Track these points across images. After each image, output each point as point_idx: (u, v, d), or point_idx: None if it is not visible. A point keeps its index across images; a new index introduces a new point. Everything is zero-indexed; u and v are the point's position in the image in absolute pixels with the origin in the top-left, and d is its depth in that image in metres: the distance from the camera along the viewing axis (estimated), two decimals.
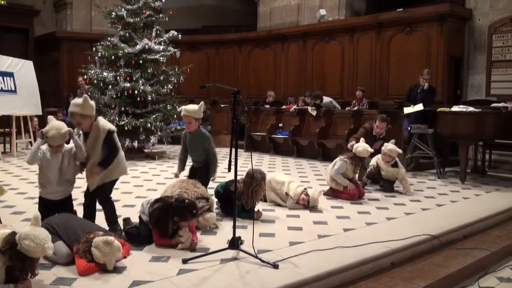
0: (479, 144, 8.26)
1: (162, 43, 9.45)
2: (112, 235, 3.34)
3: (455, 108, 7.28)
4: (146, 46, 9.04)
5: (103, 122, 3.95)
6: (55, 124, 3.81)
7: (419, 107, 8.12)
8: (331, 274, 3.34)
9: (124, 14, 9.21)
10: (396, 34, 10.46)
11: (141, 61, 8.96)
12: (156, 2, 9.57)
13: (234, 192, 3.78)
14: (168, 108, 9.23)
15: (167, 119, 9.24)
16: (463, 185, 6.99)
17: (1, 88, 9.07)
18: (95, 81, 9.06)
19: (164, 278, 3.11)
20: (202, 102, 5.02)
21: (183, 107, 5.00)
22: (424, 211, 5.27)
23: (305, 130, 10.30)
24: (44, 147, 3.89)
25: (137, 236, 3.82)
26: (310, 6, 12.64)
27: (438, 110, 7.52)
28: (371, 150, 5.93)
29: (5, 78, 9.17)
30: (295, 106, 10.62)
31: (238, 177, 4.12)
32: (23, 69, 9.69)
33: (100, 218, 4.37)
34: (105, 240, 3.17)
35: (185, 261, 3.37)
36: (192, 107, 4.95)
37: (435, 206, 5.55)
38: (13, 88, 9.31)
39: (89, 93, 9.75)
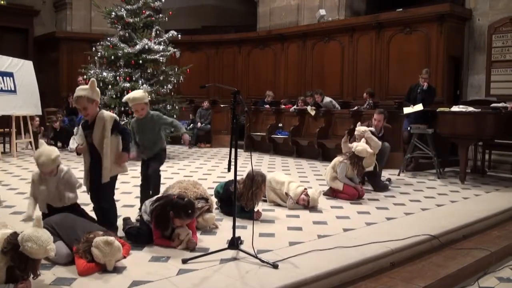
0: (479, 144, 8.27)
1: (162, 43, 9.45)
2: (112, 235, 3.35)
3: (454, 108, 7.28)
4: (146, 46, 9.04)
5: (107, 112, 3.89)
6: (45, 150, 3.77)
7: (419, 107, 8.13)
8: (331, 274, 3.34)
9: (124, 14, 9.21)
10: (396, 34, 10.46)
11: (140, 61, 8.96)
12: (156, 2, 9.56)
13: (234, 192, 3.78)
14: (168, 108, 9.23)
15: None
16: (463, 185, 6.99)
17: (1, 88, 9.06)
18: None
19: (164, 278, 3.10)
20: (145, 86, 4.94)
21: (129, 97, 4.70)
22: (424, 211, 5.27)
23: (305, 130, 10.31)
24: (35, 174, 3.93)
25: (137, 236, 3.82)
26: (309, 6, 12.64)
27: (437, 110, 7.52)
28: (370, 150, 5.93)
29: (4, 78, 9.16)
30: (294, 107, 10.63)
31: (238, 178, 4.12)
32: (23, 69, 9.68)
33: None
34: (105, 240, 3.17)
35: (184, 261, 3.37)
36: (139, 94, 4.71)
37: (434, 206, 5.56)
38: (12, 88, 9.30)
39: None
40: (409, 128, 8.09)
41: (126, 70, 8.97)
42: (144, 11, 9.39)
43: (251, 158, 3.88)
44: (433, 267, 3.82)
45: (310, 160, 9.57)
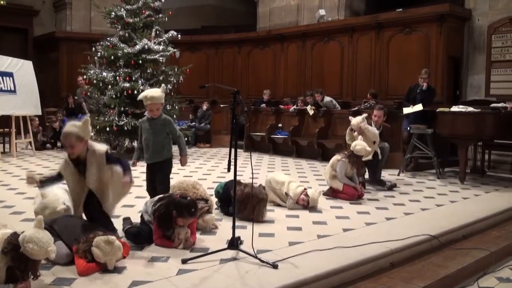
0: (479, 144, 8.27)
1: (162, 43, 9.45)
2: (112, 234, 3.35)
3: (454, 108, 7.28)
4: (146, 46, 9.04)
5: (97, 146, 3.68)
6: (49, 202, 3.64)
7: (419, 107, 8.13)
8: (331, 274, 3.34)
9: (124, 14, 9.21)
10: (395, 35, 10.46)
11: (140, 61, 8.96)
12: (156, 2, 9.57)
13: (233, 192, 3.78)
14: (168, 108, 9.23)
15: None
16: (463, 185, 7.00)
17: (1, 88, 9.07)
18: (95, 81, 9.05)
19: (164, 278, 3.11)
20: (163, 85, 4.76)
21: (147, 95, 4.51)
22: (424, 211, 5.27)
23: (304, 130, 10.31)
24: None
25: (137, 236, 3.81)
26: (309, 7, 12.65)
27: (437, 110, 7.52)
28: (369, 149, 5.94)
29: (4, 78, 9.17)
30: (294, 107, 10.63)
31: (238, 178, 4.12)
32: (23, 69, 9.69)
33: None
34: (106, 239, 3.17)
35: (184, 261, 3.37)
36: (157, 93, 4.53)
37: (434, 206, 5.56)
38: (12, 88, 9.30)
39: (88, 93, 9.78)
40: (408, 128, 8.10)
41: (126, 70, 8.97)
42: (144, 11, 9.39)
43: (250, 158, 3.88)
44: (433, 267, 3.82)
45: (310, 160, 9.57)
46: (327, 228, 4.45)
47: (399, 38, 10.40)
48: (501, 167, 8.81)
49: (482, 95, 9.47)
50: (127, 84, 8.72)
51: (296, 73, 12.51)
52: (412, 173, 8.03)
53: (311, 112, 9.95)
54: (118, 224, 4.15)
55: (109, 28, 9.84)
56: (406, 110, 8.28)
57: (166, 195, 3.97)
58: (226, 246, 3.59)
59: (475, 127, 6.96)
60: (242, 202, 4.51)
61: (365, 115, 6.64)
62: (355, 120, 6.49)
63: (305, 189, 5.27)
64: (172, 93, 9.73)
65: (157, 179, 4.56)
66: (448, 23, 9.61)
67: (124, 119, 8.63)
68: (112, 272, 3.17)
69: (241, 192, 4.56)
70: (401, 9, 10.38)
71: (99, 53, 9.18)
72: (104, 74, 8.98)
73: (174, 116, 9.34)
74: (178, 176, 7.10)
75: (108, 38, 9.29)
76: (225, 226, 4.32)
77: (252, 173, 3.88)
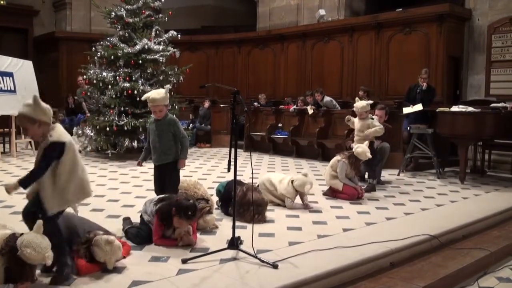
0: (479, 144, 8.27)
1: (162, 43, 9.45)
2: (113, 234, 3.35)
3: (454, 108, 7.28)
4: (146, 46, 9.04)
5: (54, 135, 3.04)
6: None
7: (419, 107, 8.14)
8: (331, 274, 3.34)
9: (124, 14, 9.21)
10: (395, 34, 10.47)
11: (140, 61, 8.97)
12: (156, 2, 9.57)
13: (233, 192, 3.78)
14: (168, 108, 9.22)
15: None
16: (463, 185, 6.99)
17: (1, 88, 9.05)
18: (95, 81, 9.05)
19: (164, 278, 3.11)
20: (167, 86, 4.66)
21: (150, 96, 4.49)
22: (424, 211, 5.27)
23: (304, 130, 10.31)
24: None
25: (137, 236, 3.82)
26: (309, 6, 12.65)
27: (437, 110, 7.52)
28: (370, 156, 5.90)
29: (4, 78, 9.15)
30: (294, 106, 10.63)
31: (238, 177, 4.11)
32: (23, 69, 9.67)
33: (97, 217, 4.39)
34: (106, 239, 3.17)
35: (184, 261, 3.37)
36: (160, 95, 4.50)
37: (434, 206, 5.56)
38: (12, 88, 9.29)
39: (88, 93, 9.78)
40: (408, 128, 8.10)
41: (126, 70, 8.97)
42: (143, 11, 9.39)
43: (250, 158, 3.88)
44: (433, 267, 3.82)
45: (310, 160, 9.57)
46: (327, 228, 4.45)
47: (399, 38, 10.41)
48: (501, 167, 8.81)
49: (482, 95, 9.47)
50: (127, 84, 8.73)
51: (296, 73, 12.51)
52: (412, 173, 8.03)
53: (310, 112, 9.95)
54: (118, 224, 4.16)
55: (109, 28, 9.85)
56: (406, 110, 8.28)
57: (167, 196, 3.97)
58: (226, 246, 3.59)
59: (475, 127, 6.96)
60: (242, 206, 4.49)
61: (370, 101, 6.71)
62: (359, 103, 6.51)
63: (292, 181, 5.20)
64: (172, 93, 9.71)
65: (167, 181, 4.56)
66: (448, 23, 9.61)
67: (124, 119, 8.63)
68: (112, 272, 3.17)
69: (242, 193, 4.55)
70: (401, 9, 10.39)
71: (99, 53, 9.19)
72: (104, 74, 8.98)
73: (174, 116, 9.32)
74: None
75: (108, 38, 9.30)
76: (225, 226, 4.32)
77: (252, 173, 3.87)
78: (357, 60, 11.19)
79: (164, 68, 9.51)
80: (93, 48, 9.36)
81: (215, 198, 4.95)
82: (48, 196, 3.04)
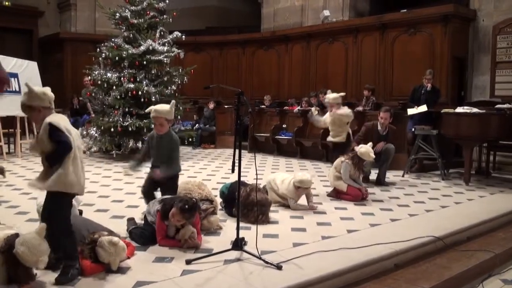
0: (484, 145, 8.24)
1: (166, 44, 9.47)
2: (117, 235, 3.36)
3: (459, 109, 7.25)
4: (150, 47, 9.06)
5: (51, 117, 3.07)
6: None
7: (423, 108, 8.11)
8: (335, 276, 3.33)
9: (128, 15, 9.23)
10: (400, 35, 10.45)
11: (145, 62, 8.99)
12: (160, 3, 9.59)
13: (237, 194, 3.78)
14: None
15: None
16: (467, 187, 6.97)
17: (6, 88, 9.09)
18: (99, 82, 9.09)
19: (168, 278, 3.11)
20: (173, 101, 4.47)
21: (153, 107, 4.42)
22: (428, 213, 5.25)
23: (308, 131, 10.29)
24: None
25: (141, 236, 3.83)
26: (313, 7, 12.65)
27: (442, 111, 7.50)
28: (373, 156, 5.90)
29: (9, 79, 9.19)
30: (298, 107, 10.62)
31: (242, 178, 4.11)
32: (28, 70, 9.71)
33: (101, 218, 4.40)
34: (110, 240, 3.17)
35: (188, 262, 3.37)
36: (164, 107, 4.40)
37: (439, 207, 5.54)
38: (17, 89, 9.33)
39: (93, 94, 9.82)
40: (413, 129, 8.08)
41: (131, 71, 8.99)
42: (148, 12, 9.42)
43: (255, 159, 3.88)
44: (437, 268, 3.81)
45: (314, 161, 9.56)
46: (331, 229, 4.44)
47: (403, 39, 10.39)
48: (506, 168, 8.77)
49: (487, 96, 9.43)
50: (132, 85, 8.74)
51: (300, 74, 12.51)
52: (417, 174, 8.00)
53: (315, 113, 9.92)
54: (122, 224, 4.17)
55: (114, 29, 9.88)
56: (411, 111, 8.26)
57: (169, 197, 3.99)
58: (230, 247, 3.58)
59: (480, 128, 6.93)
60: (246, 207, 4.50)
61: (343, 94, 7.05)
62: (331, 95, 6.57)
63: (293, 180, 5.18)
64: (177, 94, 9.75)
65: (165, 188, 4.43)
66: (452, 24, 9.58)
67: (129, 119, 8.65)
68: (116, 273, 3.18)
69: (246, 194, 4.55)
70: (405, 10, 10.37)
71: (103, 54, 9.21)
72: (109, 75, 9.00)
73: (179, 117, 9.36)
74: (183, 176, 7.08)
75: (113, 39, 9.31)
76: (229, 227, 4.32)
77: (256, 174, 3.87)
78: (361, 61, 11.18)
79: (168, 69, 9.52)
80: (98, 49, 9.40)
81: (218, 199, 4.95)
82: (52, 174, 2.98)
